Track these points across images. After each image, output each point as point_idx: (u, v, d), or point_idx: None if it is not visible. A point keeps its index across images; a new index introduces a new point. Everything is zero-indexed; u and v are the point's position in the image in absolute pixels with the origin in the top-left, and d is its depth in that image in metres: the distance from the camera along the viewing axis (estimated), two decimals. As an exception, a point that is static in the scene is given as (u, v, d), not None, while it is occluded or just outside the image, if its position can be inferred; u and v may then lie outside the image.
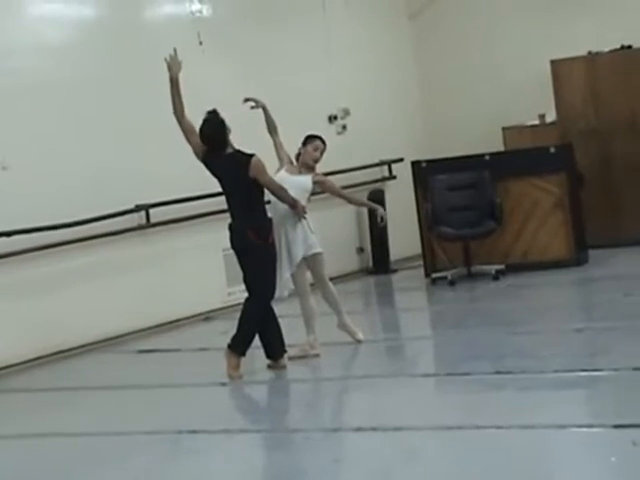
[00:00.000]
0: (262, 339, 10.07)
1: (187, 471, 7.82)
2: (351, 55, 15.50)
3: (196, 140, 9.99)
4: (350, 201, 11.54)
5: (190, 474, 7.73)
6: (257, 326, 9.99)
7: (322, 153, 10.80)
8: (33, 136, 11.75)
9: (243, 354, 9.94)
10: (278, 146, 10.65)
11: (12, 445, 9.06)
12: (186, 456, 8.16)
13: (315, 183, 10.67)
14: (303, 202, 10.35)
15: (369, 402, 9.14)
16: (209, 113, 10.05)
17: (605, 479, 6.82)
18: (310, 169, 10.68)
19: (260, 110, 10.69)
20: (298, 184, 10.42)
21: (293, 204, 10.17)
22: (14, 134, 11.60)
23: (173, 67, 9.92)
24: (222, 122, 10.00)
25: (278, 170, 10.61)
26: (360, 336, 10.77)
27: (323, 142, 10.83)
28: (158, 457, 8.20)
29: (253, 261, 9.93)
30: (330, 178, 11.25)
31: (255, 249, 9.87)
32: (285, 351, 10.18)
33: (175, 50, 9.90)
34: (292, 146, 10.64)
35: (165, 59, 9.93)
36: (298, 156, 10.77)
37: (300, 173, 10.59)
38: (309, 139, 10.81)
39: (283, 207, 10.23)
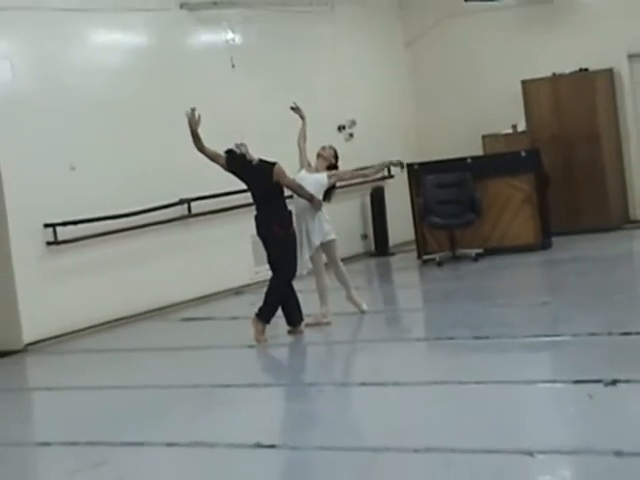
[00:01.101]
0: (284, 309, 10.13)
1: (221, 417, 7.86)
2: (357, 75, 15.48)
3: (221, 161, 10.24)
4: (368, 175, 11.90)
5: (224, 420, 7.75)
6: (280, 299, 10.06)
7: (334, 156, 10.86)
8: (96, 142, 11.78)
9: (268, 322, 9.99)
10: (303, 152, 10.68)
11: (81, 395, 9.16)
12: (220, 405, 8.21)
13: (330, 177, 10.63)
14: (319, 197, 10.35)
15: (371, 362, 9.16)
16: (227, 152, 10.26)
17: (566, 425, 6.83)
18: (324, 169, 10.68)
19: (296, 119, 10.82)
20: (314, 180, 10.43)
21: (310, 199, 10.20)
22: (81, 140, 11.64)
23: (192, 123, 10.03)
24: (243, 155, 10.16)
25: (299, 171, 10.65)
26: (364, 307, 10.79)
27: (331, 148, 10.91)
28: (197, 406, 8.24)
29: (276, 247, 10.01)
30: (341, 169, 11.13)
31: (278, 238, 9.96)
32: (302, 319, 10.21)
33: (193, 109, 9.98)
34: (309, 150, 10.67)
35: (186, 114, 10.02)
36: (318, 157, 10.80)
37: (317, 171, 10.60)
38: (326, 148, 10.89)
39: (303, 202, 10.25)
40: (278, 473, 6.63)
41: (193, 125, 10.04)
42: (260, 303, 10.09)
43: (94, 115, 11.82)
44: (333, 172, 10.77)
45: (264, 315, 10.01)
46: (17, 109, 11.14)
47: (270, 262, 10.20)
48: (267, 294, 10.09)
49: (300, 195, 10.22)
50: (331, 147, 10.91)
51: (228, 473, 6.51)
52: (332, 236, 10.53)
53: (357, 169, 11.50)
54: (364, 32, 15.76)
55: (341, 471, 6.38)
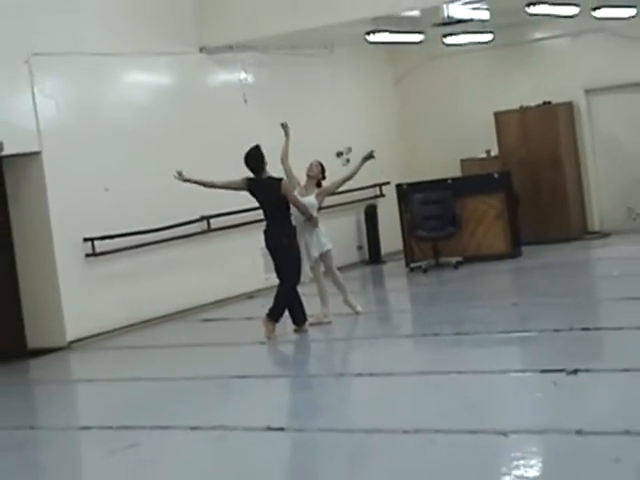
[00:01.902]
0: (290, 311, 10.09)
1: (237, 404, 7.86)
2: (352, 108, 15.48)
3: (237, 185, 10.21)
4: (350, 177, 10.80)
5: (239, 407, 7.76)
6: (287, 302, 10.03)
7: (321, 171, 10.54)
8: (127, 167, 11.80)
9: (277, 321, 9.96)
10: (288, 171, 10.41)
11: (116, 386, 9.18)
12: (236, 394, 8.20)
13: (318, 196, 10.38)
14: (314, 214, 10.26)
15: (366, 355, 9.17)
16: (252, 147, 10.14)
17: (534, 409, 6.84)
18: (313, 188, 10.41)
19: (284, 136, 10.58)
20: (307, 203, 10.20)
21: (310, 217, 10.14)
22: (114, 166, 11.65)
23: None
24: (259, 151, 10.10)
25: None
26: (359, 309, 10.72)
27: (321, 165, 10.59)
28: (216, 394, 8.26)
29: (284, 257, 9.96)
30: (324, 184, 10.68)
31: (285, 249, 9.93)
32: (306, 319, 10.19)
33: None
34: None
35: (181, 178, 10.31)
36: (308, 177, 10.49)
37: (307, 193, 10.33)
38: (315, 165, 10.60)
39: (302, 218, 10.16)
40: (286, 452, 6.65)
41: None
42: (270, 305, 10.07)
43: (125, 144, 11.83)
44: (320, 190, 10.47)
45: (274, 315, 9.97)
46: (61, 140, 11.15)
47: (277, 271, 10.13)
48: (276, 298, 10.04)
49: (301, 212, 10.13)
50: (317, 165, 10.59)
51: (244, 452, 6.52)
52: (328, 246, 10.42)
53: (338, 179, 10.77)
54: (359, 72, 15.79)
55: (340, 450, 6.39)
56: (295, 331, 10.20)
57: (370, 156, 10.75)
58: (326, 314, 10.47)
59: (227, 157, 12.45)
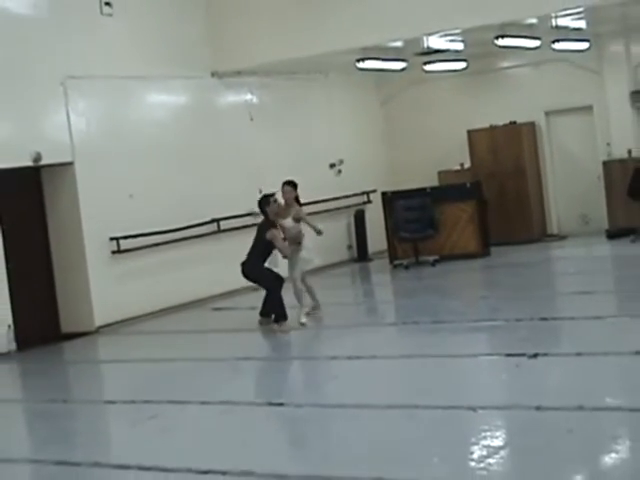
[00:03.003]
0: (265, 304, 9.98)
1: (242, 382, 7.86)
2: (344, 126, 15.46)
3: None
4: (309, 224, 10.09)
5: (244, 384, 7.76)
6: (279, 302, 9.73)
7: (293, 192, 10.01)
8: (148, 176, 11.76)
9: (285, 318, 9.67)
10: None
11: (138, 365, 9.17)
12: (242, 373, 8.20)
13: (295, 221, 9.93)
14: (299, 229, 9.92)
15: (354, 340, 9.14)
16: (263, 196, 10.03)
17: (499, 387, 6.86)
18: (289, 208, 9.96)
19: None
20: (289, 225, 9.88)
21: (285, 256, 9.92)
22: (137, 175, 11.62)
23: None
24: (264, 199, 9.90)
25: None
26: (303, 321, 9.91)
27: (290, 184, 10.06)
28: (224, 373, 8.24)
29: (258, 279, 10.05)
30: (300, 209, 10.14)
31: (257, 275, 9.96)
32: (285, 318, 9.76)
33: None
34: (303, 184, 10.56)
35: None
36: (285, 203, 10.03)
37: (287, 216, 9.93)
38: (283, 186, 10.11)
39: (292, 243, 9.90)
40: (285, 424, 6.67)
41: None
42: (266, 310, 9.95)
43: (147, 157, 11.81)
44: (297, 214, 9.94)
45: (279, 317, 9.66)
46: (91, 152, 11.13)
47: (262, 287, 10.06)
48: (271, 305, 9.81)
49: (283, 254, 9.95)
50: (290, 191, 10.03)
51: (247, 424, 6.54)
52: (315, 263, 10.17)
53: (307, 220, 10.09)
54: (350, 94, 15.78)
55: (332, 422, 6.42)
56: (260, 323, 10.02)
57: (319, 233, 10.10)
58: (316, 306, 10.33)
59: (235, 168, 12.49)
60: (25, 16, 10.70)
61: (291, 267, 10.05)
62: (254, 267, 9.87)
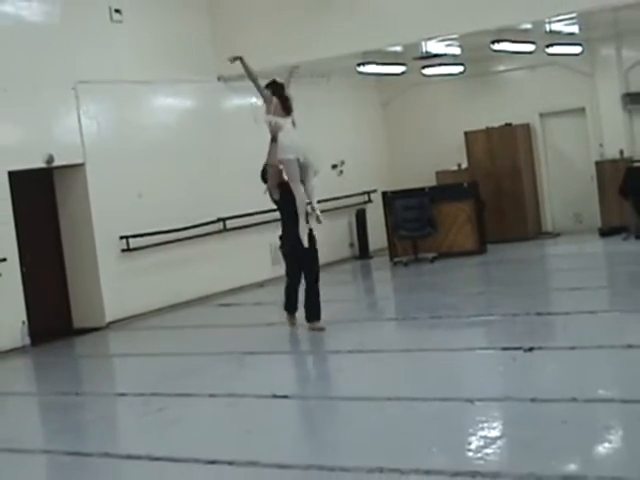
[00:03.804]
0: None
1: (248, 376, 7.85)
2: (346, 128, 15.47)
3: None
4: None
5: (250, 378, 7.76)
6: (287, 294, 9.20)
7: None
8: (157, 176, 11.79)
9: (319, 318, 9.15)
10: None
11: (147, 359, 9.19)
12: (247, 367, 8.20)
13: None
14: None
15: (356, 335, 9.13)
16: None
17: (496, 380, 6.85)
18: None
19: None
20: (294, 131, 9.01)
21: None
22: (146, 176, 11.64)
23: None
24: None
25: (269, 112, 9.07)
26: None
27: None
28: (231, 367, 8.24)
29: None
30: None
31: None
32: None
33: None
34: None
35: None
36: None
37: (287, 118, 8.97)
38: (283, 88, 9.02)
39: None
40: (290, 415, 6.67)
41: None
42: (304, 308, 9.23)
43: (155, 157, 11.83)
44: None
45: (288, 309, 9.16)
46: (101, 154, 11.16)
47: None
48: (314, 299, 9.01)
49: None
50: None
51: (252, 416, 6.54)
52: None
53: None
54: (351, 97, 15.78)
55: (335, 414, 6.42)
56: (291, 324, 9.36)
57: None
58: None
59: (240, 168, 12.45)
60: (38, 24, 10.72)
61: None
62: (288, 237, 8.84)
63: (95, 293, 11.07)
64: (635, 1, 10.58)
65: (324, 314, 9.23)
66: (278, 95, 9.05)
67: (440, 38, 12.50)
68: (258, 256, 13.05)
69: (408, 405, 6.22)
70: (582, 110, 14.86)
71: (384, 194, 14.42)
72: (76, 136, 10.95)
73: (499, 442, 5.32)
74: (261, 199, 10.17)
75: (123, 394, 7.80)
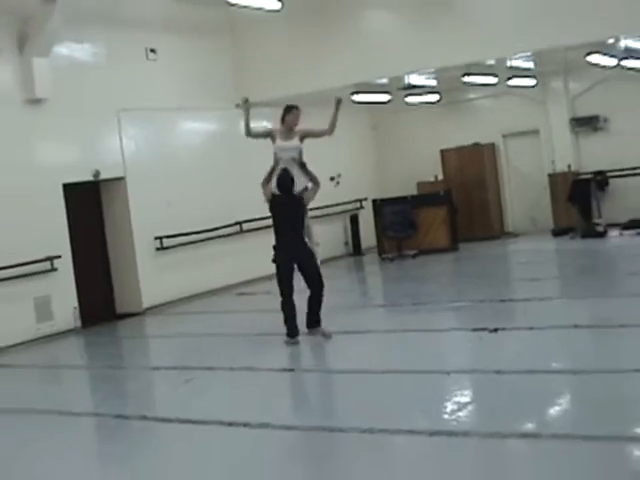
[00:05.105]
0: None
1: (261, 353, 7.71)
2: (342, 146, 15.29)
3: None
4: (331, 127, 7.98)
5: (262, 354, 7.64)
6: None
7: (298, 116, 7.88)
8: (185, 187, 11.74)
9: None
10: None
11: (178, 339, 9.13)
12: (260, 345, 8.02)
13: (302, 139, 7.90)
14: (296, 157, 7.73)
15: (350, 319, 9.08)
16: (283, 170, 7.83)
17: (467, 355, 6.82)
18: (293, 132, 7.90)
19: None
20: (291, 147, 7.89)
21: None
22: (174, 187, 11.59)
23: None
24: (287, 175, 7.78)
25: (274, 141, 8.07)
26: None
27: (297, 108, 8.05)
28: (246, 346, 8.09)
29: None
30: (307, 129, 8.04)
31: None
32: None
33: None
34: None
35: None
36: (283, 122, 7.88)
37: (289, 139, 7.96)
38: (287, 110, 8.06)
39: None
40: (296, 386, 6.66)
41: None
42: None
43: (183, 172, 11.78)
44: (302, 132, 7.88)
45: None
46: (138, 169, 11.13)
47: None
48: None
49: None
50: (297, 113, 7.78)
51: (265, 386, 6.54)
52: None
53: (318, 130, 7.97)
54: (346, 121, 15.22)
55: (333, 385, 6.42)
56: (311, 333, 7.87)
57: (339, 102, 8.01)
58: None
59: (253, 180, 12.31)
60: (88, 62, 10.71)
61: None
62: (305, 245, 7.69)
63: (134, 284, 11.04)
64: (578, 44, 10.63)
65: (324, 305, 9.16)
66: (281, 118, 8.08)
67: (420, 72, 12.55)
68: (269, 253, 12.95)
69: (394, 377, 6.21)
70: (537, 132, 14.85)
71: (374, 201, 14.39)
72: (118, 155, 10.94)
73: (469, 407, 5.32)
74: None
75: (157, 368, 7.79)
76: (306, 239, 7.80)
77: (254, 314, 10.07)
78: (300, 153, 7.86)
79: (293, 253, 7.66)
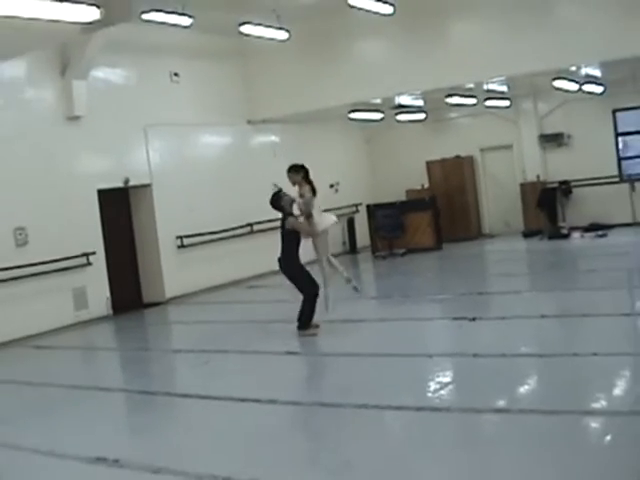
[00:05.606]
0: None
1: (268, 338, 7.67)
2: (340, 157, 15.39)
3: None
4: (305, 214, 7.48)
5: (269, 339, 7.59)
6: (310, 309, 7.52)
7: (294, 175, 7.63)
8: (203, 193, 11.74)
9: (311, 320, 7.49)
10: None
11: (197, 326, 9.12)
12: (268, 332, 7.99)
13: (300, 195, 7.56)
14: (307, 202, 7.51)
15: (347, 310, 9.04)
16: (274, 192, 7.58)
17: (447, 340, 6.84)
18: (301, 189, 7.62)
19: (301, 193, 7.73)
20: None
21: (308, 234, 7.62)
22: (195, 194, 11.59)
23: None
24: (278, 196, 7.43)
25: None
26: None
27: (290, 170, 7.76)
28: (256, 332, 8.06)
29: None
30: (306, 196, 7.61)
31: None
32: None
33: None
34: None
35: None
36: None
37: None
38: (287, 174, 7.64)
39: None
40: (299, 367, 6.67)
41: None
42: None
43: (201, 179, 11.76)
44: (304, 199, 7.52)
45: (303, 324, 7.41)
46: (163, 177, 11.15)
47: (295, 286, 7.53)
48: (301, 309, 7.43)
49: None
50: (288, 172, 7.71)
51: (273, 367, 6.54)
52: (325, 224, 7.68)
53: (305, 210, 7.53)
54: (344, 135, 15.70)
55: (332, 366, 6.43)
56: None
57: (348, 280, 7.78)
58: (349, 279, 8.07)
59: (262, 188, 12.34)
60: (120, 84, 10.74)
61: (317, 251, 7.80)
62: (289, 262, 7.41)
63: (158, 277, 11.04)
64: (546, 70, 10.69)
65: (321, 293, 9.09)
66: (307, 180, 7.66)
67: (409, 94, 12.59)
68: (276, 251, 12.91)
69: (385, 359, 6.22)
70: (510, 146, 14.86)
71: (368, 206, 14.41)
72: (145, 165, 10.95)
73: (450, 386, 5.34)
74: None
75: (179, 350, 7.80)
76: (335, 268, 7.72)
77: (263, 304, 10.08)
78: (293, 201, 7.47)
79: (282, 265, 7.57)
